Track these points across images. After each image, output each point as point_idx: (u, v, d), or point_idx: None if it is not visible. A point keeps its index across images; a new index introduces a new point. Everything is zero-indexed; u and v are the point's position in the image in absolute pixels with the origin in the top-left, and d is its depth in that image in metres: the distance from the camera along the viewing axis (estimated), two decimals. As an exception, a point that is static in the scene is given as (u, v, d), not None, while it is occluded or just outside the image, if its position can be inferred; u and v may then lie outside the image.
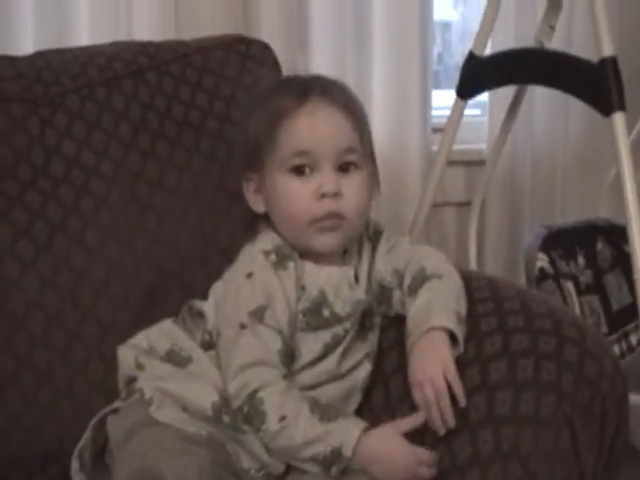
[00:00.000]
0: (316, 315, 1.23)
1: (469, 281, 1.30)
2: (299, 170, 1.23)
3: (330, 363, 1.23)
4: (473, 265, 2.11)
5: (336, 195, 1.22)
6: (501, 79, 1.98)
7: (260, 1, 2.03)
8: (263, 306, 1.18)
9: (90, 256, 1.36)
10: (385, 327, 1.31)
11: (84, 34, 1.94)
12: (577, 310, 2.01)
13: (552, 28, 1.95)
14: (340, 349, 1.24)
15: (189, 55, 1.58)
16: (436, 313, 1.19)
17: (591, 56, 1.75)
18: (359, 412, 1.26)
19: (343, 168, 1.24)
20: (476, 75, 1.96)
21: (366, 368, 1.27)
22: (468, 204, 2.22)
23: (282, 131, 1.23)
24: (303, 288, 1.23)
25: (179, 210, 1.44)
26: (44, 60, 1.51)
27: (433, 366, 1.14)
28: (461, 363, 1.17)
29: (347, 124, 1.24)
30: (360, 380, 1.26)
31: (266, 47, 1.66)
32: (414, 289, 1.25)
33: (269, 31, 1.97)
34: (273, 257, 1.23)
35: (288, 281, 1.21)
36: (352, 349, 1.26)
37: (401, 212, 2.15)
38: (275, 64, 1.65)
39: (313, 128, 1.23)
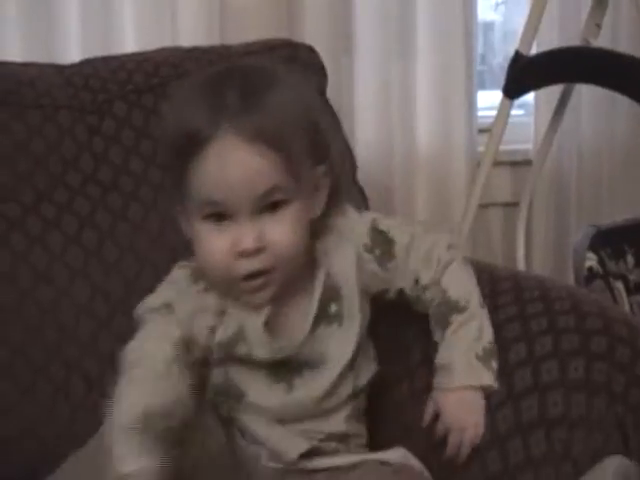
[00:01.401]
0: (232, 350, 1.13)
1: (519, 281, 1.29)
2: (215, 216, 1.08)
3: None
4: (521, 265, 2.10)
5: (258, 250, 1.07)
6: (548, 78, 1.97)
7: (305, 4, 2.02)
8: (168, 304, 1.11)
9: (139, 264, 1.37)
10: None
11: (129, 41, 1.95)
12: (627, 310, 1.99)
13: (598, 26, 1.94)
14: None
15: (235, 59, 1.57)
16: (466, 369, 1.16)
17: (638, 53, 1.73)
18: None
19: (268, 207, 1.08)
20: (523, 75, 1.95)
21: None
22: (514, 204, 2.21)
23: (192, 173, 1.07)
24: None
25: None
26: (91, 68, 1.52)
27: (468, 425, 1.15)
28: (508, 370, 1.17)
29: (265, 161, 1.05)
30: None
31: (312, 51, 1.66)
32: (439, 322, 1.20)
33: (313, 34, 1.97)
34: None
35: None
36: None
37: (446, 213, 2.14)
38: (321, 68, 1.65)
39: (223, 175, 1.05)
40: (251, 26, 2.00)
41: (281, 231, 1.08)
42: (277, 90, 1.09)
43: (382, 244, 1.20)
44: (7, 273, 1.30)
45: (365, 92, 2.06)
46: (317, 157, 1.12)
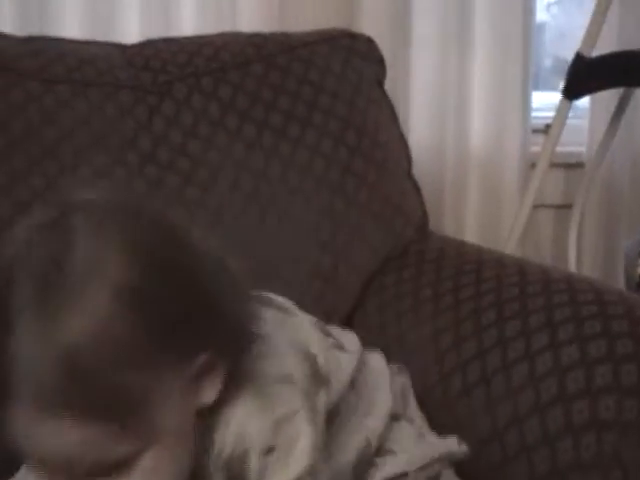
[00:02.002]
0: None
1: (572, 283, 1.28)
2: None
3: None
4: (572, 269, 2.09)
5: None
6: (609, 81, 1.95)
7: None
8: None
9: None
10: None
11: (188, 24, 1.95)
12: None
13: (660, 31, 1.92)
14: None
15: (295, 48, 1.58)
16: None
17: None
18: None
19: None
20: (583, 76, 1.94)
21: None
22: (564, 206, 2.20)
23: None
24: None
25: (282, 203, 1.44)
26: (152, 48, 1.53)
27: None
28: (560, 372, 1.16)
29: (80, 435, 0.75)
30: None
31: (371, 42, 1.66)
32: None
33: (372, 26, 1.96)
34: None
35: None
36: None
37: (498, 212, 2.13)
38: (380, 60, 1.65)
39: (33, 445, 0.77)
40: (310, 14, 1.99)
41: None
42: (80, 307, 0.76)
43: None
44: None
45: (420, 87, 2.05)
46: (188, 352, 0.82)
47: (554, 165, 2.10)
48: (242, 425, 0.86)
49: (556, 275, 1.34)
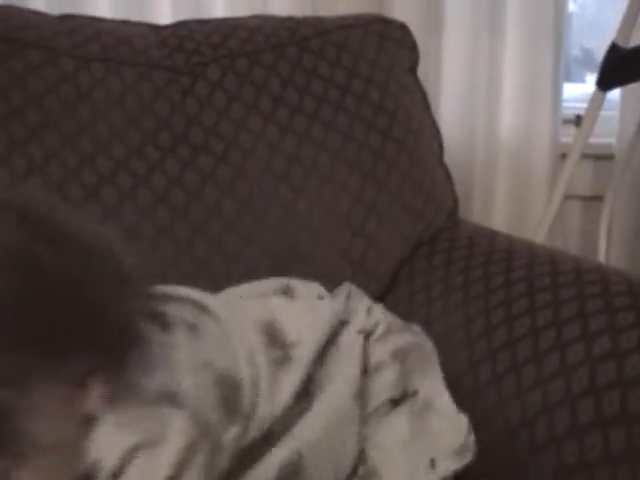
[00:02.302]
0: None
1: (605, 274, 1.27)
2: None
3: None
4: (602, 260, 2.08)
5: None
6: (645, 72, 1.94)
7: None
8: None
9: (225, 226, 1.37)
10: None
11: (220, 6, 1.95)
12: None
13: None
14: None
15: (329, 32, 1.57)
16: None
17: None
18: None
19: None
20: (618, 67, 1.93)
21: None
22: (592, 198, 2.19)
23: None
24: None
25: (314, 186, 1.44)
26: (186, 30, 1.52)
27: None
28: (591, 363, 1.15)
29: None
30: None
31: (404, 28, 1.65)
32: None
33: (403, 12, 1.95)
34: None
35: None
36: None
37: (526, 202, 2.12)
38: (413, 46, 1.64)
39: None
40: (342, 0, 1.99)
41: None
42: None
43: None
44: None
45: (451, 75, 2.04)
46: (64, 357, 0.75)
47: (584, 156, 2.09)
48: (97, 445, 0.77)
49: (588, 265, 1.33)
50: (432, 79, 1.98)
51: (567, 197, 2.13)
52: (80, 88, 1.37)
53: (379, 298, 1.43)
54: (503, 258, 1.38)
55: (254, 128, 1.43)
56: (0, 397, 0.69)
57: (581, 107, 2.07)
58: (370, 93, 1.53)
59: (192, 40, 1.49)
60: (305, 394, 0.98)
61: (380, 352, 1.08)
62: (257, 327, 0.97)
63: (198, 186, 1.38)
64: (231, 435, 0.88)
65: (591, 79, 2.10)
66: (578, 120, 2.08)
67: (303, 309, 1.05)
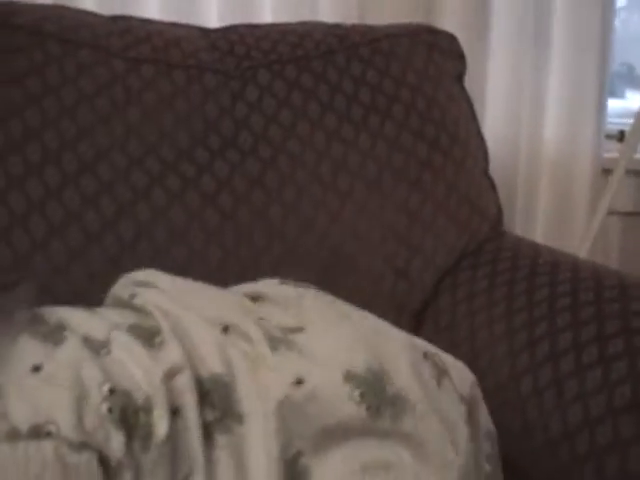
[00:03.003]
0: None
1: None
2: None
3: None
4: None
5: None
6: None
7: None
8: None
9: (271, 232, 1.38)
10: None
11: (267, 11, 1.95)
12: None
13: None
14: None
15: (378, 40, 1.58)
16: None
17: None
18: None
19: None
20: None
21: None
22: (634, 214, 2.18)
23: None
24: None
25: (360, 194, 1.44)
26: (237, 34, 1.53)
27: None
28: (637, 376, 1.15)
29: None
30: None
31: (453, 39, 1.66)
32: None
33: (450, 22, 1.96)
34: None
35: None
36: None
37: (568, 215, 2.12)
38: (460, 57, 1.65)
39: None
40: (389, 8, 1.99)
41: None
42: None
43: None
44: (146, 228, 1.31)
45: (496, 87, 2.04)
46: None
47: (626, 172, 2.09)
48: None
49: (632, 281, 1.33)
50: (476, 91, 1.97)
51: (609, 213, 2.13)
52: (131, 89, 1.38)
53: (422, 307, 1.44)
54: (547, 271, 1.37)
55: (302, 134, 1.44)
56: None
57: (621, 122, 2.06)
58: (418, 102, 1.53)
59: (243, 44, 1.50)
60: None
61: None
62: None
63: (246, 190, 1.39)
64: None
65: (631, 95, 2.10)
66: (621, 135, 2.08)
67: None
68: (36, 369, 0.90)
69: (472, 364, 1.23)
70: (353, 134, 1.46)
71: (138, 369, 0.94)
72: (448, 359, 1.07)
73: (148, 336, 0.98)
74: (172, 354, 0.96)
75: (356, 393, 0.96)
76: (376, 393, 0.96)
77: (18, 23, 1.36)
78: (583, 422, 1.16)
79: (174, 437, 0.91)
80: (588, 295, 1.30)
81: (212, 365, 0.96)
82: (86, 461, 0.84)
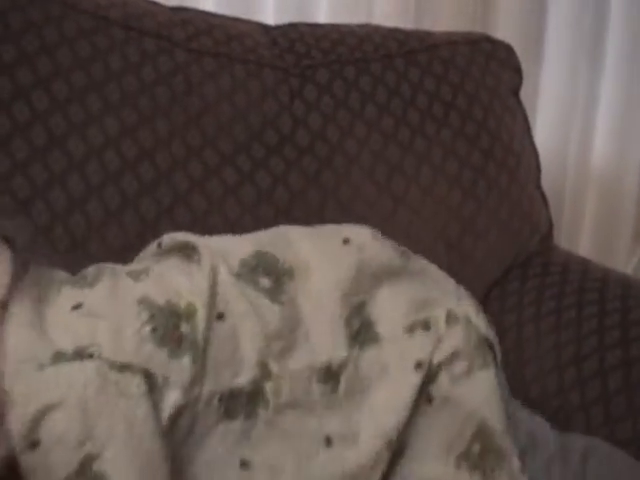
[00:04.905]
0: None
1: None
2: None
3: None
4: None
5: None
6: None
7: (500, 3, 2.01)
8: None
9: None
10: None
11: (323, 12, 1.96)
12: None
13: None
14: None
15: (437, 47, 1.58)
16: None
17: None
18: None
19: None
20: None
21: None
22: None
23: None
24: None
25: (414, 197, 1.44)
26: (297, 32, 1.53)
27: None
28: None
29: None
30: None
31: (510, 50, 1.66)
32: None
33: (506, 32, 1.95)
34: None
35: None
36: None
37: (615, 231, 2.11)
38: (517, 69, 1.65)
39: None
40: (445, 16, 1.99)
41: None
42: None
43: None
44: (200, 220, 1.31)
45: (548, 99, 2.05)
46: None
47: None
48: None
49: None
50: (528, 102, 1.97)
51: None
52: (191, 81, 1.38)
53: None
54: (597, 287, 1.37)
55: (359, 135, 1.44)
56: None
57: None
58: (474, 111, 1.53)
59: (303, 43, 1.50)
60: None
61: None
62: None
63: (302, 187, 1.39)
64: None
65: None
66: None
67: None
68: (76, 307, 0.95)
69: (518, 375, 1.23)
70: (409, 138, 1.47)
71: (180, 276, 1.00)
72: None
73: (187, 254, 1.05)
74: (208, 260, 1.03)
75: (388, 246, 1.13)
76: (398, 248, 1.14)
77: (84, 8, 1.36)
78: (631, 440, 1.16)
79: (218, 343, 0.95)
80: (638, 313, 1.30)
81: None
82: (126, 378, 0.88)
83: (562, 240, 2.01)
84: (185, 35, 1.41)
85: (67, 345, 0.89)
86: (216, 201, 1.33)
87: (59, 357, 0.88)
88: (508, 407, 1.06)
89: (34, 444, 0.84)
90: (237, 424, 0.94)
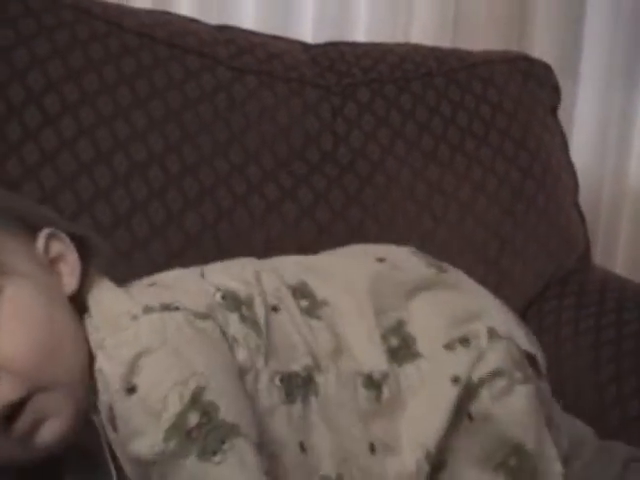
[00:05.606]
0: None
1: None
2: None
3: None
4: None
5: None
6: None
7: (537, 22, 2.02)
8: None
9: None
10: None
11: (361, 30, 1.97)
12: None
13: None
14: None
15: (475, 66, 1.59)
16: None
17: None
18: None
19: None
20: None
21: None
22: None
23: None
24: None
25: (454, 217, 1.46)
26: (337, 51, 1.55)
27: None
28: None
29: None
30: None
31: (548, 68, 1.67)
32: None
33: (542, 51, 1.96)
34: None
35: None
36: None
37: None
38: (555, 88, 1.66)
39: None
40: (482, 33, 2.00)
41: (10, 340, 0.86)
42: None
43: None
44: (244, 234, 1.33)
45: (584, 119, 2.05)
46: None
47: None
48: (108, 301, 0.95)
49: None
50: (565, 121, 1.98)
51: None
52: (234, 98, 1.40)
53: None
54: (636, 306, 1.38)
55: (399, 153, 1.46)
56: None
57: None
58: (513, 130, 1.54)
59: (343, 61, 1.52)
60: None
61: None
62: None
63: (343, 205, 1.40)
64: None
65: None
66: None
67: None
68: (151, 285, 1.02)
69: (557, 393, 1.23)
70: (449, 156, 1.48)
71: (234, 271, 1.05)
72: None
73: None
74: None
75: (423, 261, 1.13)
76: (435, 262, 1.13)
77: (129, 26, 1.38)
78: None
79: (277, 330, 0.99)
80: (676, 332, 1.30)
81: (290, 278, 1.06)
82: (212, 326, 0.93)
83: (598, 258, 2.01)
84: (228, 53, 1.43)
85: (153, 302, 0.93)
86: (258, 217, 1.35)
87: (149, 309, 0.91)
88: (552, 415, 1.07)
89: (131, 389, 0.87)
90: (297, 407, 0.97)
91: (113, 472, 0.92)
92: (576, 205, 1.60)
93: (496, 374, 1.03)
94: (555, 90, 1.65)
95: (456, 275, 1.16)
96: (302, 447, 0.96)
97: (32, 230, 0.97)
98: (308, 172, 1.40)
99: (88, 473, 0.97)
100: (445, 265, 1.15)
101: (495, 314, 1.09)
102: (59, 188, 1.25)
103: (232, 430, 0.87)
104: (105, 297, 0.96)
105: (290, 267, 1.10)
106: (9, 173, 1.25)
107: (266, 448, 0.91)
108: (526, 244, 1.49)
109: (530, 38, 2.03)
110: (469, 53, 1.64)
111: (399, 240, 1.37)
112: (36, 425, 0.87)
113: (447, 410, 1.01)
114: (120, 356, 0.88)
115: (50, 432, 0.88)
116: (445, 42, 1.95)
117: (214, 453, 0.85)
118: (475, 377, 1.03)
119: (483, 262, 1.44)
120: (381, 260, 1.12)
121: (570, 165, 1.62)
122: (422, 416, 1.01)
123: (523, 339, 1.07)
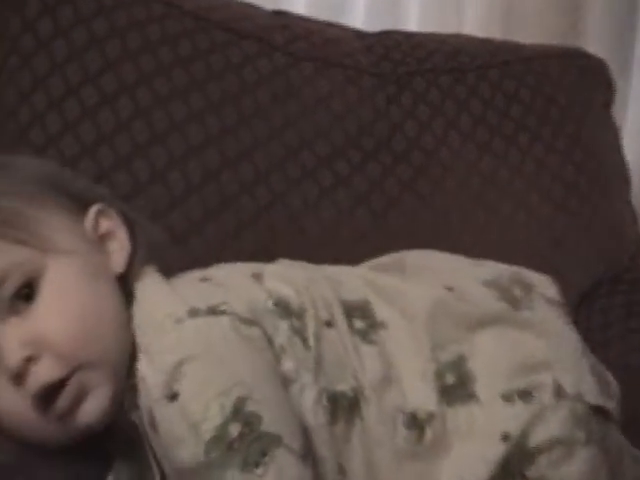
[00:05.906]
0: None
1: None
2: None
3: None
4: None
5: (31, 360, 0.86)
6: None
7: (588, 18, 2.01)
8: None
9: (419, 237, 1.38)
10: None
11: (413, 20, 1.97)
12: None
13: None
14: None
15: (529, 59, 1.58)
16: None
17: None
18: None
19: (17, 297, 0.88)
20: None
21: None
22: None
23: None
24: None
25: (506, 210, 1.45)
26: (392, 40, 1.54)
27: None
28: None
29: None
30: None
31: (603, 64, 1.66)
32: None
33: (596, 47, 1.95)
34: None
35: None
36: None
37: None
38: (609, 85, 1.65)
39: None
40: (535, 27, 2.00)
41: (53, 319, 0.87)
42: None
43: None
44: (297, 219, 1.33)
45: (636, 112, 2.03)
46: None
47: None
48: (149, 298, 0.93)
49: None
50: (617, 117, 1.97)
51: None
52: (291, 84, 1.40)
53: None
54: (687, 306, 1.37)
55: (453, 144, 1.45)
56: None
57: None
58: (567, 125, 1.53)
59: (398, 51, 1.51)
60: None
61: None
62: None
63: (398, 193, 1.40)
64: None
65: None
66: None
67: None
68: (203, 280, 0.98)
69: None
70: (503, 149, 1.47)
71: (291, 275, 1.01)
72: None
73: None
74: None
75: (495, 293, 1.03)
76: (510, 293, 1.04)
77: (187, 9, 1.38)
78: None
79: (327, 346, 0.96)
80: None
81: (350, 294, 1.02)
82: (258, 334, 0.91)
83: None
84: (284, 39, 1.43)
85: (200, 304, 0.91)
86: (311, 202, 1.34)
87: (195, 312, 0.89)
88: (622, 458, 1.03)
89: (173, 396, 0.86)
90: (339, 428, 0.94)
91: (156, 471, 0.92)
92: (628, 202, 1.58)
93: (555, 442, 0.96)
94: (609, 86, 1.64)
95: (533, 313, 1.05)
96: (341, 469, 0.93)
97: (84, 207, 0.97)
98: (362, 160, 1.39)
99: (135, 462, 0.96)
100: (526, 301, 1.06)
101: (569, 365, 1.01)
102: (115, 168, 1.25)
103: (274, 441, 0.85)
104: (151, 293, 0.94)
105: (354, 281, 1.05)
106: (64, 152, 1.25)
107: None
108: (578, 240, 1.48)
109: (583, 33, 2.01)
110: (522, 46, 1.63)
111: (453, 232, 1.37)
112: (76, 402, 0.87)
113: (491, 465, 0.95)
114: (163, 362, 0.87)
115: (90, 410, 0.88)
116: (496, 33, 1.94)
117: (256, 465, 0.84)
118: (532, 442, 0.96)
119: (536, 258, 1.42)
120: (449, 289, 1.04)
121: (623, 163, 1.61)
122: (467, 467, 0.96)
123: (594, 391, 1.00)
